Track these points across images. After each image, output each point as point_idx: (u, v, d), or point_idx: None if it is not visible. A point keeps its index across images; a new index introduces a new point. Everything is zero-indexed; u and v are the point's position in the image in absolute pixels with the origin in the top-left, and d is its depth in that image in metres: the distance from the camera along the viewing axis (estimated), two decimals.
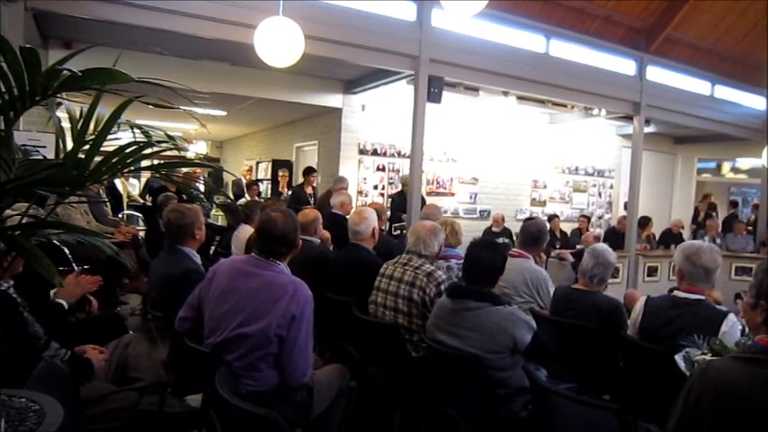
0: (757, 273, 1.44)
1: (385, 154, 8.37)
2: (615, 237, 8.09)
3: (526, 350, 2.33)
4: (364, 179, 8.25)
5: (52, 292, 2.61)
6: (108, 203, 5.79)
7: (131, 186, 9.46)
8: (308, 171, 7.52)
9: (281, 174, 8.49)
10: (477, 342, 2.32)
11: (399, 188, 7.63)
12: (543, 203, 9.96)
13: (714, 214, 10.21)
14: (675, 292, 2.46)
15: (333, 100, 7.94)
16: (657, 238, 8.93)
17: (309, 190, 7.36)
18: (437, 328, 2.49)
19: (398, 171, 8.43)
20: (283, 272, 2.20)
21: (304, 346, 2.12)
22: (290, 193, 8.12)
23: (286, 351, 2.08)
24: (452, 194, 9.02)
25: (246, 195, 8.14)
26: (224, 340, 2.11)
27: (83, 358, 2.25)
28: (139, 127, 1.51)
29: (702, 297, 2.38)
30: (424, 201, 6.70)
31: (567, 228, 8.95)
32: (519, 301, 3.14)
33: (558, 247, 7.32)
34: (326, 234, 4.14)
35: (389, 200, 7.81)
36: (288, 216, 2.26)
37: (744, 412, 1.29)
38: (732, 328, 2.22)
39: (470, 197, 9.17)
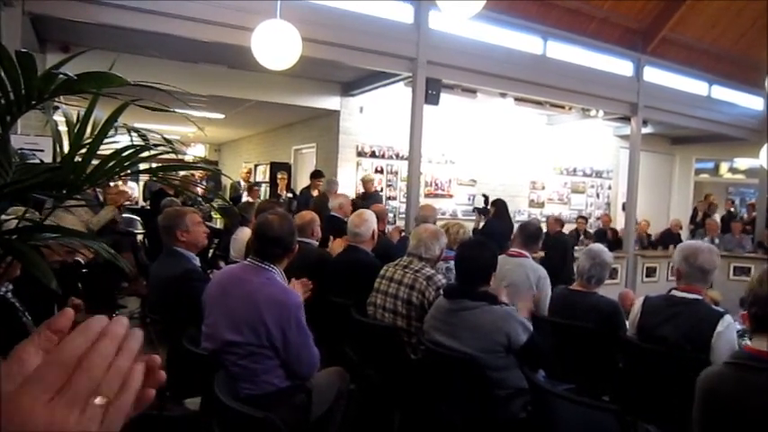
0: None
1: (383, 156, 8.37)
2: (604, 236, 8.12)
3: (522, 352, 2.32)
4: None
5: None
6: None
7: (131, 189, 9.43)
8: (316, 174, 7.43)
9: (279, 176, 8.46)
10: (474, 341, 2.32)
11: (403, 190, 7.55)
12: (542, 205, 9.96)
13: (713, 215, 10.22)
14: (673, 292, 2.47)
15: (330, 102, 7.94)
16: (656, 238, 8.93)
17: (316, 193, 7.23)
18: (434, 329, 2.49)
19: (397, 173, 8.43)
20: (275, 279, 2.20)
21: (305, 346, 2.15)
22: (289, 195, 8.10)
23: (291, 356, 2.12)
24: (451, 196, 9.02)
25: (244, 197, 8.12)
26: (219, 346, 2.12)
27: None
28: (137, 130, 1.51)
29: (700, 297, 2.38)
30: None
31: (566, 229, 8.93)
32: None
33: None
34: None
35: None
36: (284, 219, 2.29)
37: (731, 414, 1.32)
38: (728, 328, 2.22)
39: (469, 199, 9.16)
